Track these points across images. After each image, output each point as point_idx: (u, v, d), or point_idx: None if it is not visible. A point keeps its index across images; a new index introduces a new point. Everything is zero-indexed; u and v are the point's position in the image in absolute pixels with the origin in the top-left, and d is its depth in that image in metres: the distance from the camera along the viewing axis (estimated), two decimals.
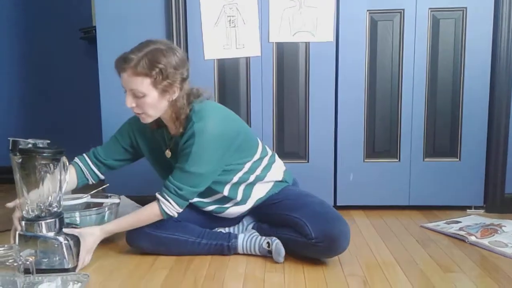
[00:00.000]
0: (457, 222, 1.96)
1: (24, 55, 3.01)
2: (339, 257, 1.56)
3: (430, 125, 2.15)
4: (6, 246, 1.26)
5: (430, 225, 1.95)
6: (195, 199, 1.65)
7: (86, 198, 1.84)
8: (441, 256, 1.61)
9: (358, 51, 2.12)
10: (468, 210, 2.18)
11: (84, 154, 1.75)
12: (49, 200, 1.49)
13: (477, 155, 2.14)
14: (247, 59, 2.15)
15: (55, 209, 1.51)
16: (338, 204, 2.20)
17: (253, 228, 1.73)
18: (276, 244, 1.56)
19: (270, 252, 1.58)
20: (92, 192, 1.87)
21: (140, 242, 1.62)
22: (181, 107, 1.51)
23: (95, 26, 2.24)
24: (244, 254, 1.63)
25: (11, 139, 1.43)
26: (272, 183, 1.71)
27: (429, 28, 2.09)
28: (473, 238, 1.73)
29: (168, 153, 1.64)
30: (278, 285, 1.39)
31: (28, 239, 1.45)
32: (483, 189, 2.16)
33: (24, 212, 1.48)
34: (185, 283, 1.42)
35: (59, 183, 1.50)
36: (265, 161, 1.70)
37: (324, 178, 2.20)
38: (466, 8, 2.07)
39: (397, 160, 2.18)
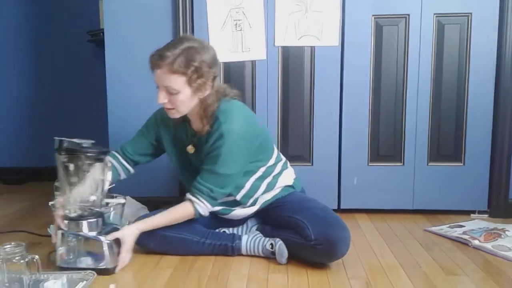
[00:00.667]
0: (461, 226, 1.96)
1: (32, 57, 3.05)
2: (343, 259, 1.56)
3: (434, 130, 2.16)
4: (13, 243, 1.28)
5: (434, 229, 1.95)
6: None
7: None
8: (444, 260, 1.61)
9: (363, 56, 2.13)
10: (472, 215, 2.18)
11: (114, 151, 1.77)
12: (91, 200, 1.50)
13: (481, 159, 2.15)
14: (253, 63, 2.17)
15: (97, 209, 1.52)
16: (342, 208, 2.20)
17: (257, 229, 1.74)
18: (280, 245, 1.57)
19: (273, 253, 1.59)
20: None
21: (148, 241, 1.63)
22: (210, 105, 1.54)
23: (102, 29, 2.26)
24: (247, 255, 1.65)
25: (56, 138, 1.44)
26: (280, 188, 1.72)
27: (434, 33, 2.10)
28: (476, 242, 1.74)
29: (191, 149, 1.65)
30: (281, 286, 1.40)
31: (70, 238, 1.47)
32: (487, 194, 2.16)
33: (66, 211, 1.50)
34: (189, 282, 1.43)
35: (102, 182, 1.51)
36: (278, 167, 1.72)
37: (328, 181, 2.20)
38: (471, 13, 2.08)
39: (401, 164, 2.19)
